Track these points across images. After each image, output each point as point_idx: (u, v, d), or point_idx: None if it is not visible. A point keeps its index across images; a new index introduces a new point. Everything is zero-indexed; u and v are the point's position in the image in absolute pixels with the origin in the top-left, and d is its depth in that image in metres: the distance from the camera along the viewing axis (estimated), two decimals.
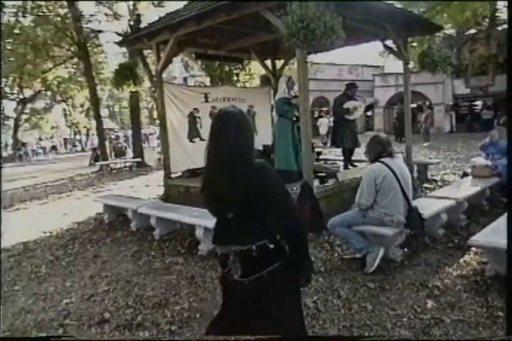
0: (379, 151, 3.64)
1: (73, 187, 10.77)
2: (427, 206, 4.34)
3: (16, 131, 27.66)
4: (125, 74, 6.64)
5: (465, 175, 6.23)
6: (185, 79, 34.22)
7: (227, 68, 14.62)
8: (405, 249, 4.03)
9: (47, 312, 3.33)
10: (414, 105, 27.10)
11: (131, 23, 12.85)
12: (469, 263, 3.71)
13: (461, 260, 3.81)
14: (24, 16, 12.68)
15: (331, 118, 23.19)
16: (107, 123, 25.08)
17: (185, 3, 6.98)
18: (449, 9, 12.25)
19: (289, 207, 1.90)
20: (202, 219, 4.21)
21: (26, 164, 22.28)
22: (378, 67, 25.00)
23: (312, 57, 21.11)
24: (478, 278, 3.35)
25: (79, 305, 3.40)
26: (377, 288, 3.31)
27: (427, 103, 22.75)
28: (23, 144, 27.09)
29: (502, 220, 3.70)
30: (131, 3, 11.99)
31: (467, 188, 5.20)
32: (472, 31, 20.77)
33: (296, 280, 1.96)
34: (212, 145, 1.88)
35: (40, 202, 8.76)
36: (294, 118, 5.85)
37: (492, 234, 3.33)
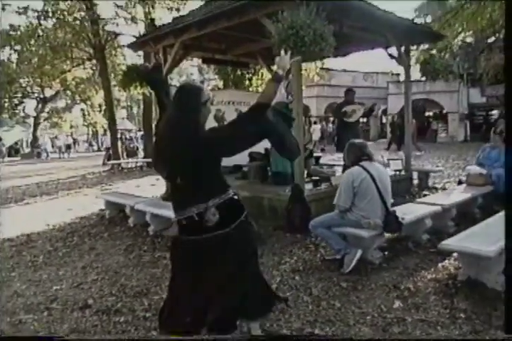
0: (357, 155, 3.77)
1: (83, 184, 11.10)
2: (412, 211, 4.45)
3: (35, 129, 28.45)
4: (132, 76, 6.88)
5: (460, 183, 6.28)
6: (202, 82, 34.62)
7: (239, 72, 14.82)
8: (386, 252, 4.14)
9: (37, 296, 3.55)
10: (430, 113, 27.08)
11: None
12: (446, 268, 3.79)
13: (440, 264, 3.89)
14: (45, 19, 13.16)
15: (330, 125, 23.26)
16: (125, 124, 25.55)
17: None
18: (463, 17, 12.20)
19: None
20: None
21: (43, 162, 22.89)
22: (393, 74, 24.97)
23: (326, 64, 21.30)
24: (450, 281, 3.44)
25: (67, 292, 3.61)
26: (349, 287, 3.43)
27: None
28: (40, 143, 27.77)
29: (479, 226, 3.79)
30: (147, 7, 12.32)
31: (457, 195, 5.26)
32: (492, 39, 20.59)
33: (244, 245, 2.31)
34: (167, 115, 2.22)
35: (49, 197, 9.08)
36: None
37: (465, 239, 3.41)
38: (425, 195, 7.00)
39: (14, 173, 15.85)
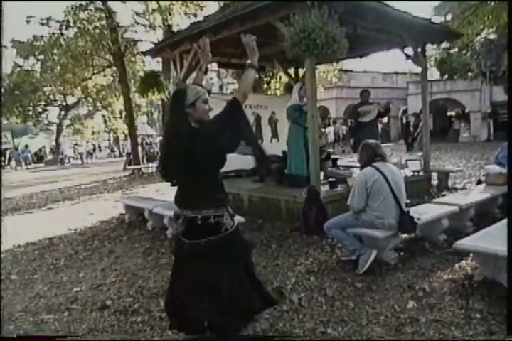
0: (370, 155, 3.77)
1: (104, 189, 11.34)
2: (428, 211, 4.41)
3: (58, 136, 29.21)
4: (149, 83, 7.03)
5: (480, 182, 6.18)
6: (221, 86, 34.90)
7: (257, 76, 14.89)
8: (401, 253, 4.11)
9: (58, 297, 3.67)
10: (452, 113, 26.63)
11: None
12: (463, 268, 3.74)
13: (457, 265, 3.84)
14: (67, 29, 13.55)
15: (343, 127, 23.12)
16: (146, 130, 26.03)
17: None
18: (482, 14, 11.98)
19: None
20: None
21: (66, 168, 23.47)
22: (413, 74, 24.63)
23: (345, 65, 21.21)
24: (466, 282, 3.40)
25: (86, 293, 3.71)
26: (363, 287, 3.42)
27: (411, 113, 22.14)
28: (62, 150, 28.42)
29: (495, 226, 3.74)
30: (164, 14, 12.53)
31: (475, 195, 5.18)
32: None
33: (235, 255, 2.37)
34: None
35: (71, 202, 9.32)
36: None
37: (480, 239, 3.37)
38: (444, 196, 6.92)
39: (38, 179, 16.32)
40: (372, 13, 5.40)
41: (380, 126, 22.86)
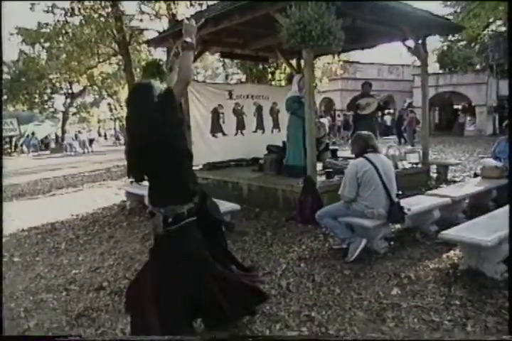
0: (362, 147, 3.86)
1: (107, 177, 11.50)
2: (419, 202, 4.50)
3: (64, 124, 29.41)
4: (151, 72, 7.10)
5: (476, 175, 6.24)
6: (226, 76, 34.81)
7: (261, 66, 14.86)
8: (391, 242, 4.21)
9: (57, 279, 3.83)
10: (459, 106, 26.45)
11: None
12: (450, 258, 3.84)
13: (444, 255, 3.94)
14: (72, 16, 13.57)
15: (340, 118, 23.03)
16: None
17: None
18: (490, 5, 11.88)
19: None
20: None
21: (71, 156, 23.68)
22: (417, 66, 24.51)
23: (352, 56, 21.09)
24: (451, 271, 3.50)
25: (84, 275, 3.87)
26: (351, 275, 3.54)
27: (408, 106, 22.20)
28: (65, 137, 28.44)
29: (483, 217, 3.84)
30: (169, 2, 12.54)
31: (469, 188, 5.26)
32: None
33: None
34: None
35: (75, 189, 9.49)
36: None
37: (465, 229, 3.47)
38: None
39: (43, 166, 16.52)
40: (371, 5, 5.42)
41: (389, 118, 22.86)
